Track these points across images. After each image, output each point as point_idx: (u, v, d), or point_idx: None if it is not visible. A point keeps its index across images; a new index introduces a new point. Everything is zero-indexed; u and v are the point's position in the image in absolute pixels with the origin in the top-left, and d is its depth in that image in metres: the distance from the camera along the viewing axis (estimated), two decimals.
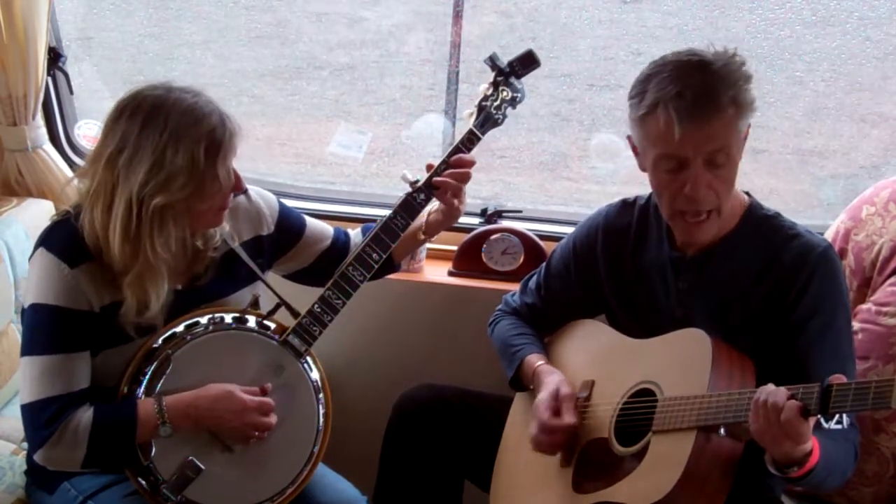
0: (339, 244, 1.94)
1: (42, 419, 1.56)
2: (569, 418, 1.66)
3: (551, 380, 1.74)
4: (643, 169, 1.64)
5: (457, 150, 1.82)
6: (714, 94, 1.49)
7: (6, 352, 2.06)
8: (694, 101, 1.48)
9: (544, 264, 1.96)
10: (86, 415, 1.58)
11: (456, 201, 1.81)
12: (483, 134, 1.85)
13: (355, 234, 1.98)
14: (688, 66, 1.52)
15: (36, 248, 1.62)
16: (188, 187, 1.56)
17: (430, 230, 1.89)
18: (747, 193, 1.70)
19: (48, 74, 2.30)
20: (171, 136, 1.53)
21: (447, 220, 1.86)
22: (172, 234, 1.60)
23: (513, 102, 1.86)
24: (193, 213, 1.62)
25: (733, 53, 1.54)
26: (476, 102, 1.86)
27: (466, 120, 1.86)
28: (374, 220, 1.86)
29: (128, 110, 1.57)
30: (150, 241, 1.56)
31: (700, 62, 1.52)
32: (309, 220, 1.93)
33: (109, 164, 1.56)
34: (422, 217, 1.86)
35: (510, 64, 1.85)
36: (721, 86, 1.49)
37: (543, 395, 1.70)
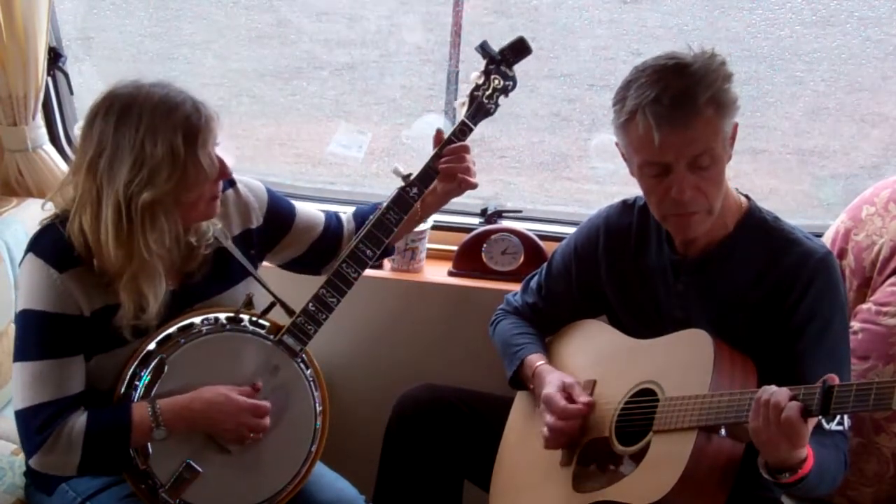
0: (332, 230, 1.92)
1: (34, 425, 1.56)
2: (585, 399, 1.67)
3: (553, 377, 1.74)
4: (633, 175, 1.64)
5: (449, 141, 1.79)
6: (691, 96, 1.48)
7: (6, 352, 2.06)
8: (671, 105, 1.47)
9: (545, 264, 1.96)
10: (79, 420, 1.57)
11: (469, 177, 1.78)
12: (475, 124, 1.81)
13: (347, 219, 1.95)
14: (664, 70, 1.51)
15: (25, 253, 1.62)
16: (173, 178, 1.54)
17: (427, 210, 1.86)
18: (747, 196, 1.70)
19: (48, 74, 2.30)
20: (148, 130, 1.52)
21: (455, 193, 1.83)
22: (166, 229, 1.58)
23: (505, 91, 1.83)
24: (184, 205, 1.60)
25: (711, 53, 1.53)
26: (467, 92, 1.83)
27: (458, 110, 1.83)
28: (368, 204, 1.84)
29: (101, 112, 1.55)
30: (144, 239, 1.55)
31: (677, 65, 1.51)
32: (299, 207, 1.91)
33: (91, 170, 1.55)
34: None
35: (501, 52, 1.82)
36: (699, 87, 1.48)
37: (551, 389, 1.70)
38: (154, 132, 1.52)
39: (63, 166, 2.36)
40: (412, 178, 1.78)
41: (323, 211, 1.95)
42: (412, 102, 2.97)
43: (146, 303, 1.59)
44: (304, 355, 1.75)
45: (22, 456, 1.90)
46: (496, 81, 1.82)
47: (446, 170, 1.77)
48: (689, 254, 1.69)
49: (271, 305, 1.75)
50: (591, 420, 1.69)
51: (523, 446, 1.81)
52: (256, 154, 2.95)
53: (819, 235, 1.75)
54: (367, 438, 2.01)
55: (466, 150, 1.79)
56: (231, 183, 1.80)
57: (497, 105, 1.83)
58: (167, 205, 1.56)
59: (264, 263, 1.90)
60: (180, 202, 1.59)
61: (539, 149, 2.95)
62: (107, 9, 2.95)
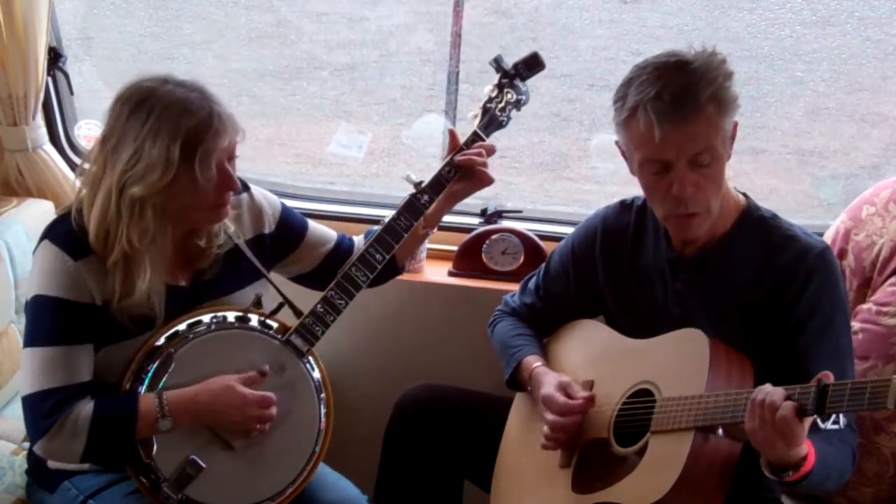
0: (343, 247, 1.94)
1: (42, 410, 1.56)
2: (583, 394, 1.67)
3: (550, 378, 1.74)
4: (633, 174, 1.64)
5: (460, 151, 1.83)
6: (693, 92, 1.48)
7: (6, 352, 2.06)
8: (672, 101, 1.48)
9: (543, 265, 1.96)
10: (86, 407, 1.57)
11: (486, 170, 1.82)
12: (487, 136, 1.85)
13: (359, 239, 1.97)
14: (666, 67, 1.51)
15: (40, 240, 1.62)
16: (163, 181, 1.54)
17: (431, 221, 1.88)
18: (744, 195, 1.70)
19: (48, 74, 2.30)
20: (152, 128, 1.53)
21: (474, 188, 1.86)
22: (151, 228, 1.57)
23: (517, 105, 1.87)
24: (179, 208, 1.60)
25: (712, 51, 1.53)
26: (480, 104, 1.87)
27: (471, 122, 1.86)
28: (375, 222, 1.86)
29: (122, 99, 1.58)
30: (126, 230, 1.55)
31: (678, 62, 1.52)
32: (311, 223, 1.93)
33: (101, 152, 1.58)
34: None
35: (515, 66, 1.85)
36: (700, 84, 1.49)
37: (549, 389, 1.70)
38: (157, 132, 1.53)
39: (63, 166, 2.37)
40: (423, 185, 1.81)
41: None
42: (412, 102, 2.98)
43: (132, 289, 1.58)
44: (310, 357, 1.76)
45: (22, 455, 1.91)
46: (509, 95, 1.86)
47: (464, 161, 1.80)
48: (687, 252, 1.69)
49: (280, 306, 1.76)
50: (589, 421, 1.69)
51: (523, 447, 1.81)
52: (256, 154, 2.96)
53: (819, 235, 1.75)
54: (367, 438, 2.01)
55: (491, 150, 1.83)
56: (246, 188, 1.81)
57: (509, 118, 1.87)
58: (157, 203, 1.57)
59: (273, 274, 1.90)
60: (174, 205, 1.59)
61: (539, 149, 2.95)
62: (107, 9, 2.95)
